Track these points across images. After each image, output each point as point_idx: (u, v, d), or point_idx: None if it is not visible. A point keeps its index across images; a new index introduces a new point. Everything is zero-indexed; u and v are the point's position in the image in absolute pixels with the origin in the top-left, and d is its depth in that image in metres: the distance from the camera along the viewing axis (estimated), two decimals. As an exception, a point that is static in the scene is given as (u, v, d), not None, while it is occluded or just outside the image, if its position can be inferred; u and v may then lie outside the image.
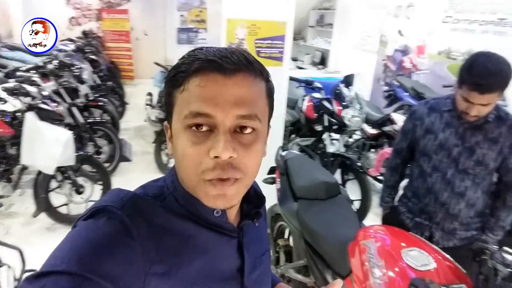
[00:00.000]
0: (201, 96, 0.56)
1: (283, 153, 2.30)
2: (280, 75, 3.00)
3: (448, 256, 1.43)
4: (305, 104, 3.54)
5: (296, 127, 3.82)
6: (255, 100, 0.59)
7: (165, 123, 0.66)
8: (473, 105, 1.50)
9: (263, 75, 0.61)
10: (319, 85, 3.48)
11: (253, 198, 0.72)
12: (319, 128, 3.43)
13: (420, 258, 1.35)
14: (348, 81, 3.47)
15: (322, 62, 7.19)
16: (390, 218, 1.95)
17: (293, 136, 3.80)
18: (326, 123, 3.36)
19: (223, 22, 2.73)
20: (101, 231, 0.54)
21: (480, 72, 1.45)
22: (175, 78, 0.59)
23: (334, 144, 3.33)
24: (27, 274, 0.55)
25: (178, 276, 0.58)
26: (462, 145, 1.64)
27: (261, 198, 0.74)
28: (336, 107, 3.35)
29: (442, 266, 1.34)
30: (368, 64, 5.93)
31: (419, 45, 5.53)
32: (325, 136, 3.33)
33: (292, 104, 3.75)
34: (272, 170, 2.43)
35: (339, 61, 6.58)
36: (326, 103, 3.38)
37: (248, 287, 0.68)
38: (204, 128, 0.56)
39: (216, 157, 0.55)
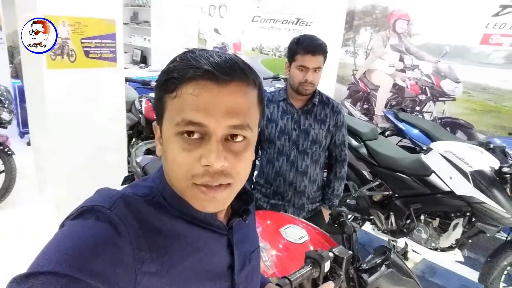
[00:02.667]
0: (194, 105, 0.56)
1: (139, 160, 2.17)
2: (115, 76, 2.80)
3: (313, 225, 1.67)
4: (143, 105, 3.41)
5: (136, 130, 3.64)
6: (248, 110, 0.60)
7: (154, 123, 0.66)
8: (308, 71, 1.79)
9: (256, 83, 0.62)
10: (156, 84, 3.40)
11: (241, 195, 0.72)
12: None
13: (296, 232, 1.52)
14: None
15: (144, 60, 6.98)
16: None
17: (134, 140, 3.60)
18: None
19: (38, 19, 2.34)
20: (90, 231, 0.53)
21: (308, 40, 1.79)
22: (167, 83, 0.58)
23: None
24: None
25: (170, 274, 0.58)
26: (298, 128, 1.91)
27: (249, 195, 0.74)
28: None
29: (313, 235, 1.55)
30: (190, 61, 6.09)
31: (235, 42, 6.02)
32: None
33: (127, 107, 3.54)
34: (127, 180, 2.26)
35: (161, 59, 6.52)
36: None
37: (238, 284, 0.70)
38: (196, 136, 0.57)
39: (207, 165, 0.56)
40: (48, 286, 0.45)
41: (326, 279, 1.15)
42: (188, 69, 0.56)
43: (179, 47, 6.28)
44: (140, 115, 3.40)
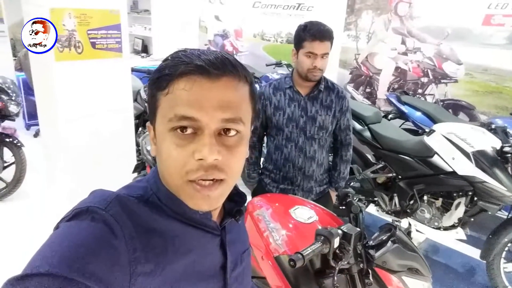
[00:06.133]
0: (186, 100, 0.56)
1: (149, 148, 2.23)
2: (121, 67, 2.84)
3: (321, 206, 1.73)
4: (149, 95, 3.44)
5: (142, 120, 3.69)
6: (239, 104, 0.60)
7: (148, 123, 0.66)
8: (316, 57, 1.82)
9: (247, 79, 0.63)
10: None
11: (233, 196, 0.73)
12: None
13: (304, 213, 1.59)
14: None
15: (145, 49, 6.99)
16: (258, 191, 2.16)
17: (140, 129, 3.66)
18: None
19: (45, 13, 2.37)
20: (85, 232, 0.53)
21: (315, 26, 1.81)
22: (159, 80, 0.59)
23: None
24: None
25: (164, 275, 0.58)
26: (306, 115, 1.94)
27: (241, 196, 0.75)
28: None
29: (321, 215, 1.61)
30: (192, 49, 6.08)
31: (236, 29, 6.00)
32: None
33: (133, 97, 3.58)
34: (137, 168, 2.33)
35: (163, 48, 6.52)
36: None
37: (230, 284, 0.71)
38: (189, 131, 0.57)
39: (200, 159, 0.56)
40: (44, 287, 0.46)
41: (335, 255, 1.21)
42: (180, 65, 0.57)
43: (180, 35, 6.28)
44: (146, 105, 3.44)
